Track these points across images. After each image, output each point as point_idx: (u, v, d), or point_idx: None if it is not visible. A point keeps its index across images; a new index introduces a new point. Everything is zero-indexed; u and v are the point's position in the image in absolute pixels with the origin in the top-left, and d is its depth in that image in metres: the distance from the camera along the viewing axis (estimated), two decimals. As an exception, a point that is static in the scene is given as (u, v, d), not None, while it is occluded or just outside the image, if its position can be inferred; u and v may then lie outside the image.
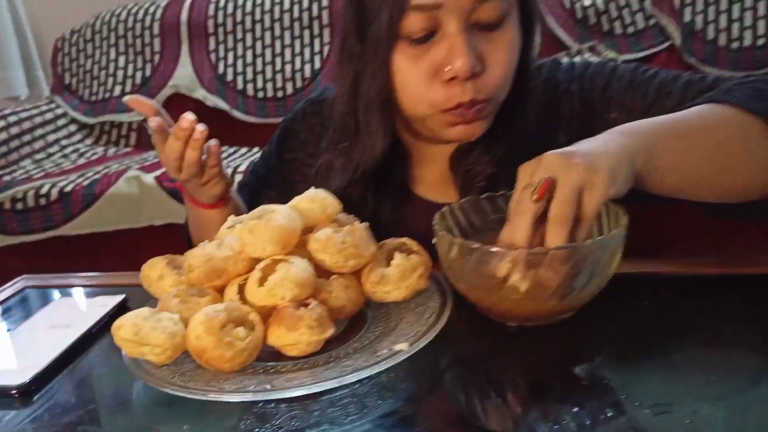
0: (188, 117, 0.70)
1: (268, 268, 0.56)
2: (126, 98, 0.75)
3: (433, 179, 0.80)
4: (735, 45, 2.01)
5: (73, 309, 0.69)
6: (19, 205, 1.74)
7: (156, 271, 0.62)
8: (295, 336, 0.52)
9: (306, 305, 0.54)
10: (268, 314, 0.56)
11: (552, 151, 0.54)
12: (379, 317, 0.61)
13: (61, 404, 0.53)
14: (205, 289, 0.59)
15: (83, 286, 0.78)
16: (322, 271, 0.60)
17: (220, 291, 0.60)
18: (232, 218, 0.66)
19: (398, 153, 0.78)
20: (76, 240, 1.77)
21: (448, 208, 0.65)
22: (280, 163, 0.89)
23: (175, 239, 1.75)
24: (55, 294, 0.76)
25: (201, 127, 0.71)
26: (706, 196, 0.63)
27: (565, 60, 0.82)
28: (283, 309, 0.54)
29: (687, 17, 2.03)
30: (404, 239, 0.64)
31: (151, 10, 2.28)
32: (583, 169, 0.52)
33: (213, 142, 0.74)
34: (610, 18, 2.08)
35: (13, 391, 0.54)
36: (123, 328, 0.52)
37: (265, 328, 0.54)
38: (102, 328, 0.65)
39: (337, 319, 0.58)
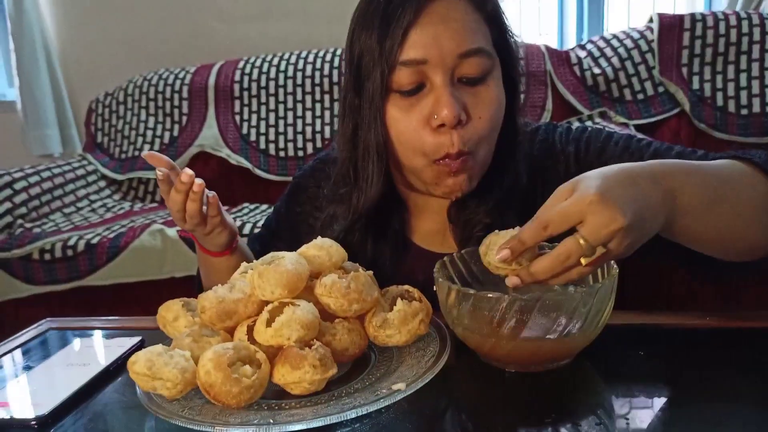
0: (187, 171, 0.76)
1: (276, 310, 0.60)
2: (144, 153, 0.80)
3: (430, 230, 0.85)
4: (744, 111, 2.05)
5: (92, 349, 0.72)
6: (47, 256, 1.81)
7: (172, 313, 0.66)
8: (299, 374, 0.55)
9: (310, 346, 0.57)
10: (274, 354, 0.59)
11: (598, 191, 0.54)
12: (381, 360, 0.63)
13: (76, 436, 0.56)
14: (216, 329, 0.62)
15: (102, 328, 0.81)
16: (327, 315, 0.63)
17: (231, 332, 0.63)
18: (244, 265, 0.71)
19: (395, 203, 0.84)
20: (99, 291, 1.82)
21: (448, 257, 0.68)
22: (289, 216, 0.95)
23: (193, 291, 1.80)
24: (71, 335, 0.80)
25: (199, 181, 0.77)
26: (713, 249, 0.66)
27: (562, 123, 0.87)
28: (289, 349, 0.57)
29: (695, 85, 2.09)
30: (407, 286, 0.67)
31: (181, 75, 2.41)
32: (631, 242, 0.55)
33: (211, 194, 0.80)
34: (619, 85, 2.14)
35: (33, 423, 0.57)
36: (138, 362, 0.55)
37: (271, 367, 0.57)
38: (119, 367, 0.68)
39: (341, 362, 0.61)
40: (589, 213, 0.53)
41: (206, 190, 0.79)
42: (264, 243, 0.98)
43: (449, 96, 0.69)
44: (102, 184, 2.36)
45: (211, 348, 0.56)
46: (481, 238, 0.70)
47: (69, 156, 2.65)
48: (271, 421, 0.51)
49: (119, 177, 2.37)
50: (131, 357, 0.56)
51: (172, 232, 1.80)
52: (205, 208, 0.80)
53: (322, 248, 0.66)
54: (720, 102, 2.07)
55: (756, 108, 2.04)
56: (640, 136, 0.81)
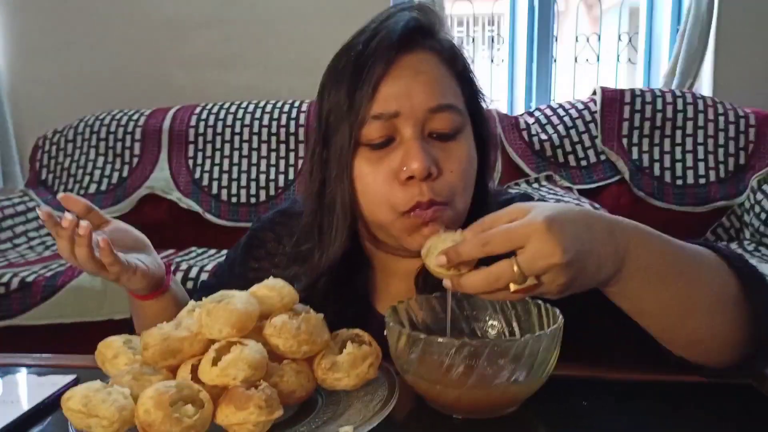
0: (68, 216, 0.70)
1: (223, 349, 0.58)
2: (60, 195, 0.76)
3: (396, 295, 0.79)
4: (679, 182, 2.18)
5: (23, 387, 0.68)
6: (-24, 294, 1.72)
7: (112, 350, 0.64)
8: (244, 415, 0.54)
9: (256, 386, 0.56)
10: (218, 395, 0.57)
11: (547, 220, 0.53)
12: (328, 403, 0.62)
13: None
14: (158, 368, 0.60)
15: (34, 365, 0.77)
16: (275, 356, 0.62)
17: (174, 371, 0.61)
18: (192, 303, 0.69)
19: (361, 265, 0.81)
20: (32, 330, 1.74)
21: (400, 302, 0.69)
22: (245, 272, 0.89)
23: (132, 334, 1.72)
24: (3, 372, 0.75)
25: (84, 224, 0.70)
26: (655, 327, 0.64)
27: (537, 196, 0.88)
28: (234, 389, 0.55)
29: (635, 155, 2.21)
30: (357, 330, 0.67)
31: (135, 116, 2.39)
32: (566, 282, 0.54)
33: (100, 237, 0.71)
34: (564, 151, 2.25)
35: (-49, 462, 0.53)
36: (73, 398, 0.53)
37: (214, 408, 0.56)
38: (50, 406, 0.65)
39: (287, 404, 0.60)
40: (532, 239, 0.53)
41: (98, 234, 0.72)
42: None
43: (419, 148, 0.68)
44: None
45: (152, 386, 0.54)
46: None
47: (9, 192, 2.55)
48: (212, 462, 0.50)
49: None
50: (66, 393, 0.54)
51: (113, 273, 1.74)
52: (96, 253, 0.72)
53: (274, 289, 0.65)
54: (657, 172, 2.19)
55: (690, 179, 2.17)
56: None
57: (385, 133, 0.70)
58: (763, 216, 2.02)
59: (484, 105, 0.78)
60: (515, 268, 0.54)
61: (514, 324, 0.69)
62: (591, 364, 0.72)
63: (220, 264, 0.97)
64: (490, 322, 0.71)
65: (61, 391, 0.67)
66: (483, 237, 0.55)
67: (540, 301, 0.66)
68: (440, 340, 0.57)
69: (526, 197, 0.86)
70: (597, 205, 1.87)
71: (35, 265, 1.87)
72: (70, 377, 0.70)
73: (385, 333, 0.65)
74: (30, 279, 1.74)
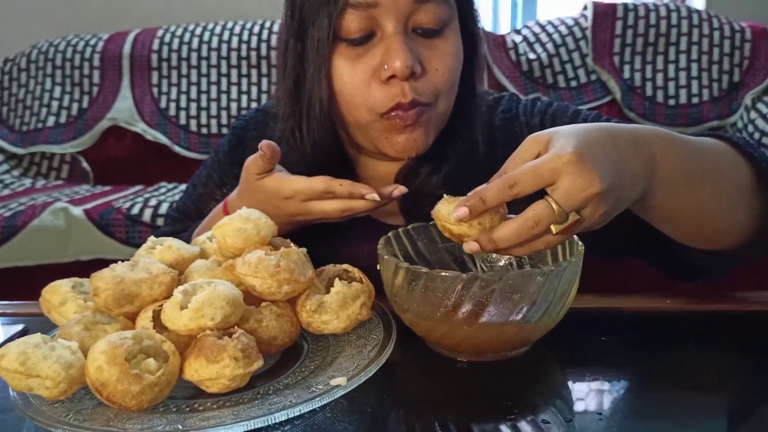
0: (345, 182, 0.62)
1: (190, 292, 0.50)
2: (261, 143, 0.64)
3: None
4: (671, 102, 2.10)
5: (-40, 340, 0.59)
6: (-71, 237, 1.60)
7: (58, 296, 0.54)
8: (217, 369, 0.45)
9: (230, 335, 0.48)
10: (185, 346, 0.49)
11: (576, 150, 0.47)
12: (315, 350, 0.54)
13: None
14: (114, 315, 0.52)
15: (-21, 316, 0.68)
16: (251, 299, 0.53)
17: (133, 319, 0.52)
18: (152, 239, 0.60)
19: (342, 168, 0.74)
20: (-9, 275, 1.63)
21: (393, 232, 0.60)
22: (227, 177, 0.83)
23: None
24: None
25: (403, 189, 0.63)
26: (683, 230, 0.61)
27: (527, 96, 0.81)
28: (204, 338, 0.47)
29: (626, 74, 2.11)
30: (346, 265, 0.59)
31: (92, 42, 2.21)
32: (607, 210, 0.48)
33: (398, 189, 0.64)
34: (554, 71, 2.13)
35: None
36: (7, 356, 0.44)
37: (181, 361, 0.47)
38: (-9, 361, 0.56)
39: (268, 352, 0.51)
40: (564, 174, 0.46)
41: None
42: (199, 208, 0.84)
43: (401, 44, 0.62)
44: (-1, 157, 2.13)
45: (104, 339, 0.45)
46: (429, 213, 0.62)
47: (-39, 127, 2.38)
48: (180, 427, 0.42)
49: (19, 151, 2.14)
50: (0, 350, 0.45)
51: (77, 211, 1.63)
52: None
53: (249, 220, 0.56)
54: (649, 92, 2.10)
55: (683, 99, 2.09)
56: (605, 116, 0.75)
57: (365, 26, 0.63)
58: (756, 135, 1.96)
59: None
60: (554, 206, 0.47)
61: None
62: (606, 294, 0.65)
63: (197, 176, 0.89)
64: (496, 255, 0.62)
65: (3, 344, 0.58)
66: (508, 178, 0.47)
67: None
68: (445, 273, 0.49)
69: (514, 98, 0.79)
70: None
71: (-8, 205, 1.74)
72: (17, 327, 0.61)
73: (377, 267, 0.56)
74: (-13, 219, 1.62)
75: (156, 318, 0.50)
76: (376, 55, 0.64)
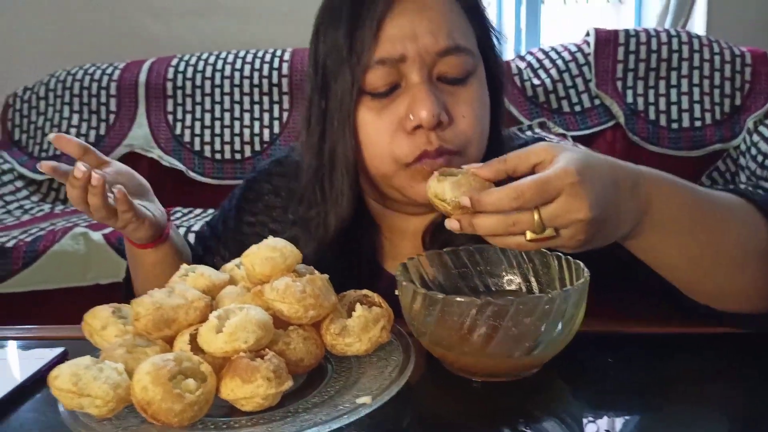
0: (80, 167, 0.66)
1: (224, 317, 0.54)
2: (50, 136, 0.71)
3: (405, 255, 0.73)
4: (675, 125, 2.14)
5: (5, 362, 0.63)
6: (-47, 261, 1.64)
7: (99, 321, 0.58)
8: (251, 389, 0.49)
9: (262, 356, 0.51)
10: (220, 367, 0.52)
11: (579, 173, 0.49)
12: (339, 371, 0.58)
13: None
14: (152, 339, 0.56)
15: (18, 338, 0.72)
16: (279, 323, 0.57)
17: (169, 342, 0.56)
18: (184, 267, 0.64)
19: (366, 224, 0.75)
20: (13, 298, 1.67)
21: (410, 260, 0.64)
22: (240, 225, 0.85)
23: (120, 299, 1.68)
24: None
25: (97, 175, 0.66)
26: (677, 278, 0.61)
27: (552, 137, 0.82)
28: (238, 360, 0.51)
29: (629, 99, 2.16)
30: (365, 291, 0.62)
31: (109, 71, 2.28)
32: (584, 239, 0.51)
33: (117, 188, 0.69)
34: (558, 96, 2.18)
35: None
36: (61, 377, 0.48)
37: (217, 381, 0.51)
38: (37, 382, 0.60)
39: (295, 373, 0.55)
40: (563, 193, 0.49)
41: (117, 184, 0.70)
42: (207, 247, 0.88)
43: (427, 93, 0.63)
44: (19, 184, 2.18)
45: (148, 360, 0.49)
46: None
47: (-20, 154, 2.44)
48: (220, 442, 0.45)
49: (38, 177, 2.20)
50: (53, 371, 0.48)
51: (97, 236, 1.68)
52: (111, 201, 0.69)
53: (275, 249, 0.60)
54: (652, 116, 2.15)
55: (685, 123, 2.13)
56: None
57: (391, 80, 0.64)
58: (759, 158, 1.99)
59: (496, 42, 0.71)
60: (536, 218, 0.50)
61: (532, 279, 0.65)
62: (613, 318, 0.69)
63: (214, 215, 0.93)
64: (506, 278, 0.66)
65: (49, 366, 0.62)
66: (516, 188, 0.50)
67: (560, 254, 0.62)
68: (460, 299, 0.53)
69: (539, 139, 0.80)
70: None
71: (14, 230, 1.79)
72: (57, 350, 0.65)
73: (396, 292, 0.60)
74: (10, 245, 1.67)
75: (192, 341, 0.54)
76: (401, 106, 0.64)
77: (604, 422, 0.53)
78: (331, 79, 0.67)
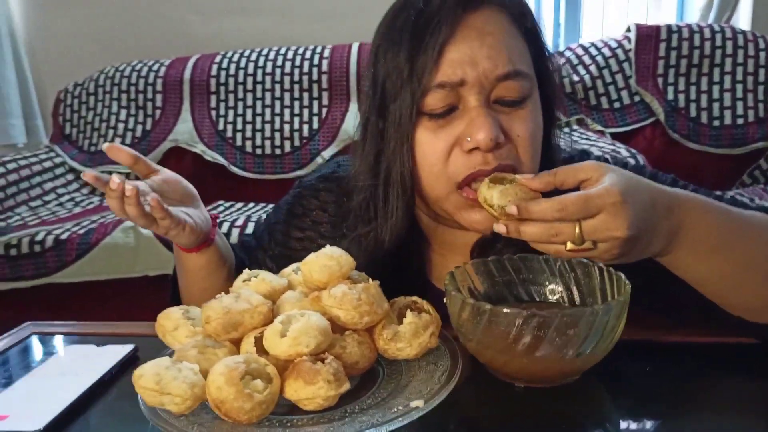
0: (114, 179, 0.69)
1: (287, 322, 0.58)
2: (104, 145, 0.75)
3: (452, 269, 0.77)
4: (716, 123, 2.11)
5: (84, 358, 0.69)
6: (13, 251, 1.74)
7: (171, 322, 0.64)
8: (313, 390, 0.54)
9: (323, 360, 0.56)
10: (282, 368, 0.57)
11: (622, 194, 0.54)
12: (390, 374, 0.62)
13: (75, 453, 0.54)
14: (220, 340, 0.60)
15: (89, 334, 0.78)
16: (335, 328, 0.61)
17: (236, 343, 0.61)
18: (247, 272, 0.69)
19: (417, 239, 0.78)
20: (65, 288, 1.76)
21: (457, 268, 0.68)
22: (287, 240, 0.87)
23: (167, 290, 1.75)
24: (58, 341, 0.76)
25: (129, 186, 0.69)
26: (712, 294, 0.65)
27: (595, 153, 0.83)
28: (301, 363, 0.55)
29: (670, 95, 2.14)
30: (415, 298, 0.66)
31: (155, 67, 2.35)
32: (618, 253, 0.56)
33: (151, 196, 0.71)
34: (597, 93, 2.18)
35: (27, 438, 0.54)
36: (144, 376, 0.53)
37: (281, 382, 0.56)
38: (113, 376, 0.65)
39: (351, 375, 0.59)
40: (604, 211, 0.54)
41: (151, 193, 0.72)
42: (253, 256, 0.91)
43: (485, 117, 0.65)
44: (70, 177, 2.28)
45: (221, 362, 0.54)
46: None
47: (33, 147, 2.55)
48: (288, 439, 0.50)
49: (108, 177, 2.29)
50: (137, 370, 0.54)
51: (145, 229, 1.75)
52: (147, 208, 0.71)
53: (332, 258, 0.64)
54: (693, 113, 2.12)
55: (727, 120, 2.10)
56: (682, 182, 0.76)
57: (450, 102, 0.66)
58: (803, 157, 1.96)
59: (550, 63, 0.73)
60: (577, 231, 0.55)
61: (574, 289, 0.68)
62: (652, 328, 0.71)
63: (259, 225, 0.94)
64: (549, 287, 0.69)
65: (122, 362, 0.68)
66: (561, 201, 0.55)
67: (602, 265, 0.65)
68: (507, 310, 0.56)
69: (585, 156, 0.81)
70: (633, 151, 1.82)
71: (67, 222, 1.88)
72: (129, 347, 0.70)
73: (444, 300, 0.64)
74: (64, 237, 1.75)
75: (257, 343, 0.59)
76: (459, 127, 0.66)
77: (642, 428, 0.56)
78: (390, 101, 0.69)
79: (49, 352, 0.72)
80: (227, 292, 0.63)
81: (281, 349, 0.56)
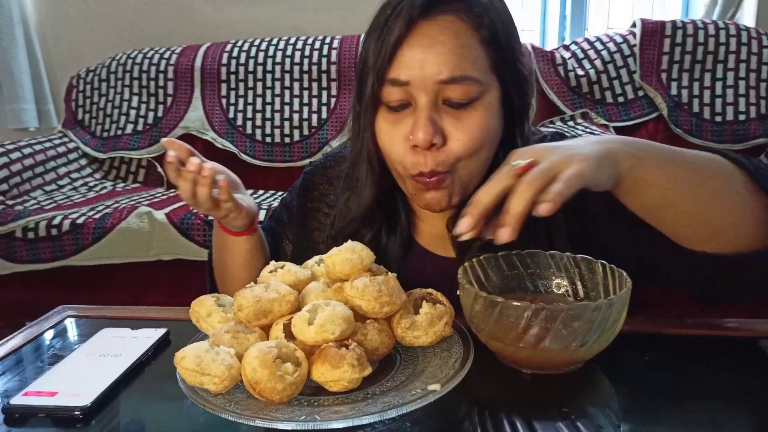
0: (193, 161, 0.78)
1: (313, 310, 0.63)
2: (164, 140, 0.82)
3: (433, 234, 0.88)
4: (718, 119, 2.15)
5: (120, 340, 0.74)
6: (30, 235, 1.79)
7: (205, 309, 0.69)
8: (339, 373, 0.59)
9: (347, 346, 0.61)
10: (309, 353, 0.62)
11: (543, 144, 0.63)
12: (407, 360, 0.67)
13: (122, 427, 0.59)
14: (250, 326, 0.65)
15: (122, 318, 0.83)
16: (357, 317, 0.66)
17: (265, 329, 0.66)
18: (273, 263, 0.73)
19: (405, 204, 0.88)
20: (81, 270, 1.81)
21: (470, 263, 0.72)
22: (301, 211, 0.97)
23: (179, 274, 1.80)
24: (94, 324, 0.81)
25: (208, 166, 0.78)
26: (686, 227, 0.68)
27: (594, 129, 0.90)
28: (327, 348, 0.60)
29: (674, 91, 2.17)
30: (429, 290, 0.71)
31: (166, 55, 2.38)
32: (565, 155, 0.60)
33: (220, 177, 0.80)
34: (601, 87, 2.21)
35: (77, 412, 0.59)
36: (186, 358, 0.58)
37: (309, 365, 0.61)
38: (149, 357, 0.70)
39: (371, 360, 0.64)
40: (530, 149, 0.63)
41: (218, 175, 0.80)
42: (275, 236, 1.00)
43: (425, 119, 0.72)
44: (83, 162, 2.33)
45: (254, 346, 0.59)
46: (480, 247, 0.76)
47: (45, 131, 2.60)
48: (318, 417, 0.55)
49: (101, 155, 2.34)
50: (178, 353, 0.59)
51: (160, 215, 1.80)
52: (215, 191, 0.80)
53: (354, 251, 0.69)
54: (696, 108, 2.16)
55: (729, 116, 2.14)
56: None
57: (402, 97, 0.74)
58: (803, 153, 2.00)
59: (521, 66, 0.77)
60: (507, 168, 0.62)
61: (578, 283, 0.73)
62: (650, 320, 0.76)
63: (276, 209, 1.05)
64: (555, 281, 0.74)
65: (156, 344, 0.73)
66: (494, 177, 0.62)
67: (605, 262, 0.70)
68: (517, 303, 0.61)
69: (557, 137, 0.86)
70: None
71: (83, 207, 1.93)
72: (161, 330, 0.75)
73: (458, 293, 0.68)
74: (80, 221, 1.80)
75: (285, 329, 0.64)
76: (408, 123, 0.74)
77: (639, 413, 0.61)
78: (363, 88, 0.77)
79: (87, 334, 0.77)
80: (256, 282, 0.68)
81: (309, 336, 0.61)
